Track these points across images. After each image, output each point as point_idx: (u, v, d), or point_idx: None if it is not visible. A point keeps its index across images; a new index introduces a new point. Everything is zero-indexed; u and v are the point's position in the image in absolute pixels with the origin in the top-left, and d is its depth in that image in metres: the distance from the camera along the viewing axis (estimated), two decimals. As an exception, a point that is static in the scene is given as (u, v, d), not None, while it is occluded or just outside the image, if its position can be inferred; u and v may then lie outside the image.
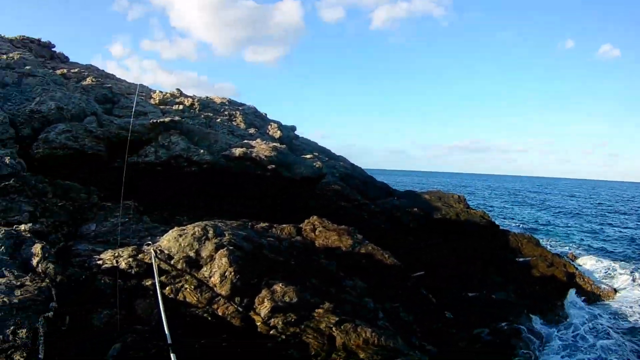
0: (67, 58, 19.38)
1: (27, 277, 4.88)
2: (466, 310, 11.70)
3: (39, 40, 18.72)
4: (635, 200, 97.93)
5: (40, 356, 3.89)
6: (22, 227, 5.87)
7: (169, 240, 6.27)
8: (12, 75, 12.79)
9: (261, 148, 12.14)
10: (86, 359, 4.13)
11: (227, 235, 5.90)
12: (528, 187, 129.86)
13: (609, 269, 24.91)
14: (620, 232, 41.46)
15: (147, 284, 5.53)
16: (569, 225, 43.12)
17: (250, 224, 7.05)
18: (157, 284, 5.19)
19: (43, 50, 18.30)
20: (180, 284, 5.39)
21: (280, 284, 5.07)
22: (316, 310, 4.88)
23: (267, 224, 7.41)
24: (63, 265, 5.39)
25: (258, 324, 4.72)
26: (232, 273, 5.25)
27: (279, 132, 18.89)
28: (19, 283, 4.72)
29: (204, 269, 5.48)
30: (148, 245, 6.37)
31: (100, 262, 5.60)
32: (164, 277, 5.57)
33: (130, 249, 6.14)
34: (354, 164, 22.59)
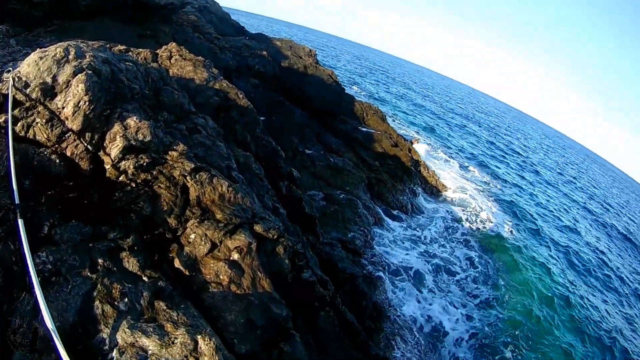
0: None
1: None
2: (305, 170, 11.22)
3: None
4: (492, 114, 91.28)
5: None
6: None
7: (28, 65, 5.09)
8: None
9: (133, -31, 10.28)
10: None
11: (87, 57, 4.72)
12: (381, 63, 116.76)
13: (448, 162, 24.33)
14: (461, 130, 40.72)
15: (1, 120, 4.75)
16: (415, 112, 40.35)
17: (109, 45, 5.79)
18: (9, 120, 4.36)
19: None
20: (32, 118, 4.50)
21: (134, 118, 4.22)
22: (169, 153, 4.17)
23: (124, 47, 6.15)
24: None
25: (107, 167, 4.04)
26: (87, 103, 4.31)
27: (152, -42, 16.88)
28: None
29: (58, 97, 4.51)
30: (8, 72, 5.31)
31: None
32: (17, 110, 4.73)
33: (-9, 77, 5.11)
34: (213, -1, 21.57)
